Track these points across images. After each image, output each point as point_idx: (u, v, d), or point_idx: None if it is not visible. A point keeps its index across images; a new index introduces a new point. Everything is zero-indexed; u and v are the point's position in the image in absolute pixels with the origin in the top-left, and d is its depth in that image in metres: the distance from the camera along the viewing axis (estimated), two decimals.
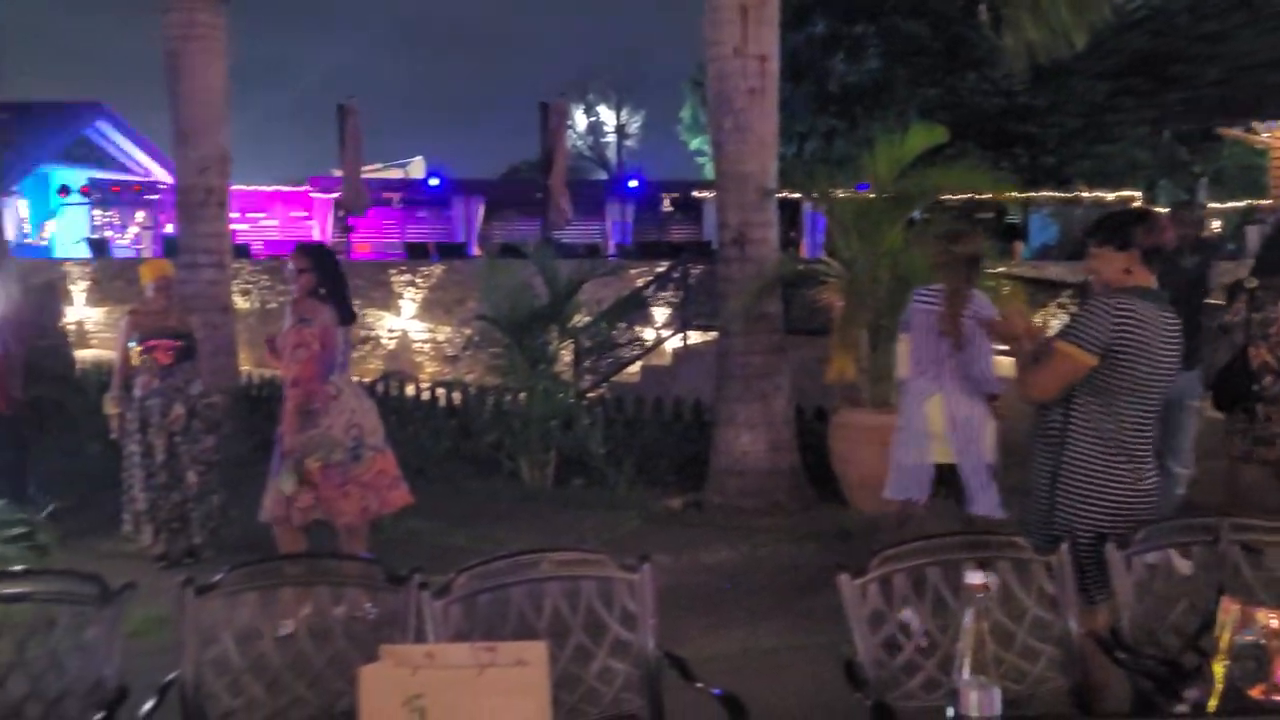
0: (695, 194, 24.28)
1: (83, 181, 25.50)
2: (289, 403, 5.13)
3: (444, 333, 14.09)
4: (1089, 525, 3.31)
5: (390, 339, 13.94)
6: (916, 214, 8.02)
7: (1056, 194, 22.11)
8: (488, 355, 8.44)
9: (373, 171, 24.41)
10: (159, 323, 6.12)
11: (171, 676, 2.84)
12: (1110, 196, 20.98)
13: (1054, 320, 9.42)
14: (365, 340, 13.17)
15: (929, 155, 7.50)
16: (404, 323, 14.28)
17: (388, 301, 14.10)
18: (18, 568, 3.23)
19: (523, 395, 8.13)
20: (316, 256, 5.40)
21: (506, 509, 7.59)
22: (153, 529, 6.24)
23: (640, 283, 11.54)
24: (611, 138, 37.26)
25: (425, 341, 14.27)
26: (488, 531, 6.92)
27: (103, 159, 27.50)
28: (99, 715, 2.73)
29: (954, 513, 4.96)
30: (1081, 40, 7.70)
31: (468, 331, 13.62)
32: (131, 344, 6.11)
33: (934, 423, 4.79)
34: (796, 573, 6.01)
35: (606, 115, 37.65)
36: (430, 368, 13.51)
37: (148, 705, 2.78)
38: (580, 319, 8.67)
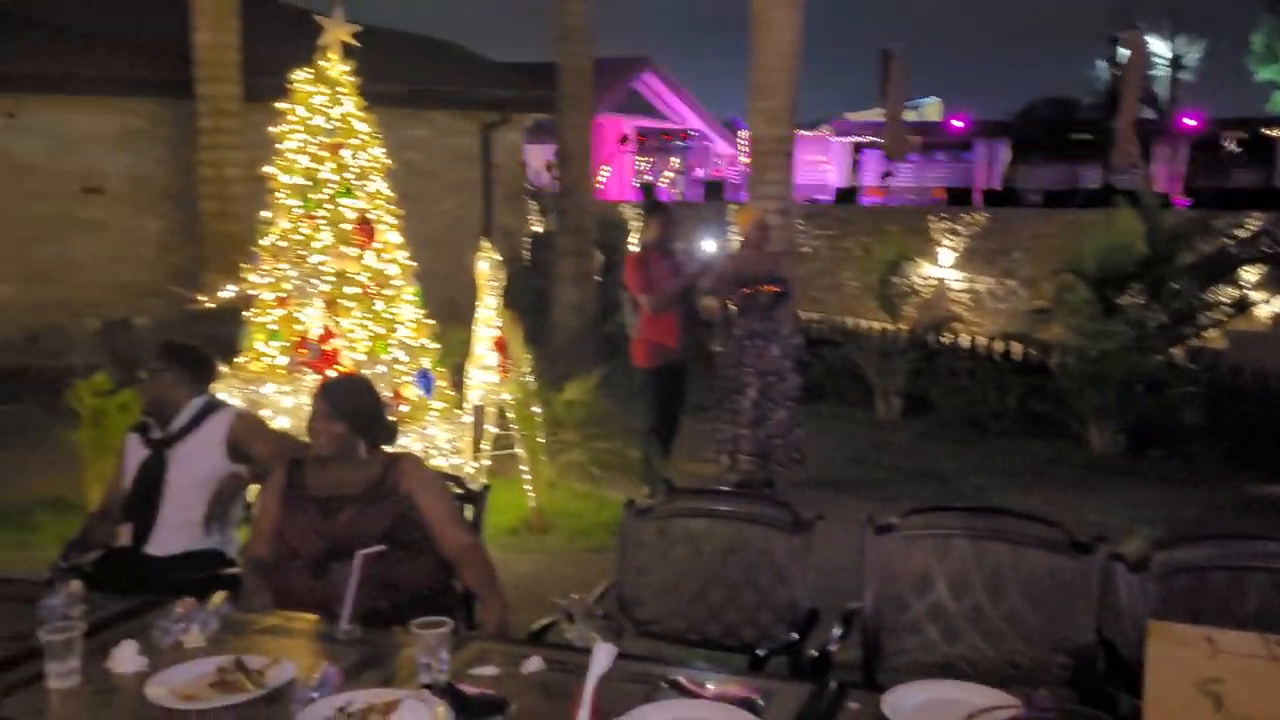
0: (1265, 132, 21.15)
1: (630, 130, 28.14)
2: None
3: (984, 283, 13.72)
4: None
5: (925, 287, 13.82)
6: None
7: None
8: (1065, 310, 8.05)
9: (879, 114, 24.17)
10: (758, 266, 6.53)
11: (853, 606, 3.05)
12: None
13: None
14: (899, 288, 13.19)
15: None
16: (941, 271, 14.11)
17: (924, 249, 13.99)
18: (722, 488, 3.63)
19: (1098, 355, 7.65)
20: None
21: (1072, 475, 7.25)
22: (729, 458, 6.74)
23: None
24: (1162, 71, 33.48)
25: (963, 291, 14.00)
26: (1058, 497, 6.66)
27: (645, 108, 30.07)
28: (793, 635, 3.00)
29: None
30: None
31: (1010, 283, 13.11)
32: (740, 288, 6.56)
33: None
34: None
35: (1157, 46, 33.88)
36: (968, 319, 13.27)
37: (836, 631, 3.01)
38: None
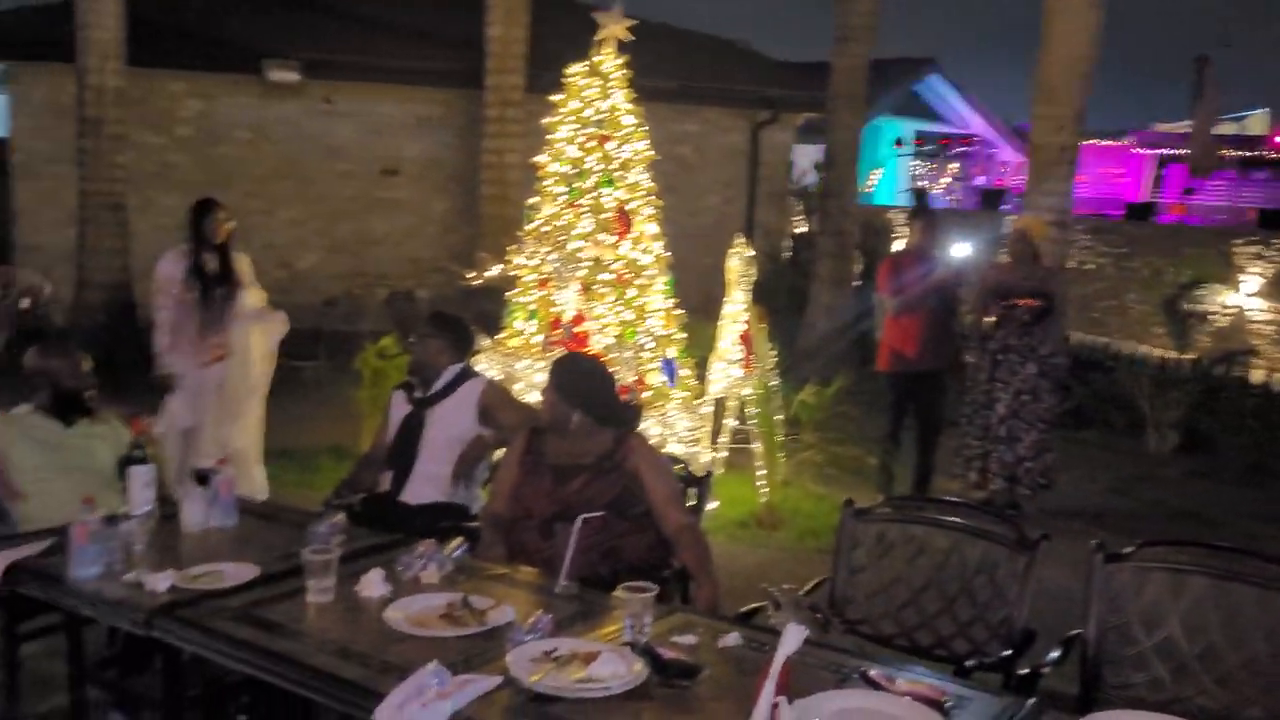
0: None
1: (908, 133, 27.42)
2: None
3: None
4: None
5: (1223, 316, 12.71)
6: None
7: None
8: None
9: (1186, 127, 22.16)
10: (1019, 279, 6.25)
11: (1074, 633, 2.93)
12: None
13: None
14: (1190, 314, 12.21)
15: None
16: (1242, 299, 12.89)
17: (1224, 274, 12.85)
18: (950, 498, 3.58)
19: None
20: None
21: None
22: (976, 475, 6.50)
23: None
24: None
25: (1266, 323, 12.73)
26: None
27: (926, 112, 29.19)
28: (1006, 651, 2.92)
29: None
30: None
31: None
32: (991, 300, 6.33)
33: None
34: None
35: None
36: (1272, 353, 12.04)
37: (1052, 654, 2.90)
38: None
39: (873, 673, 2.20)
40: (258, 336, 5.41)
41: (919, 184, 26.54)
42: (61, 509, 3.27)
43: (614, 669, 2.19)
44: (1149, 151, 23.52)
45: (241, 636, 2.47)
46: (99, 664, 3.41)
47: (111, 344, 8.73)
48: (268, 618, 2.57)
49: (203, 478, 3.38)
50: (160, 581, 2.74)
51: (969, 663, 2.85)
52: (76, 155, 9.81)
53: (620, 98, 5.94)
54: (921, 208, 7.85)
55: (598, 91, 5.90)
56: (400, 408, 4.11)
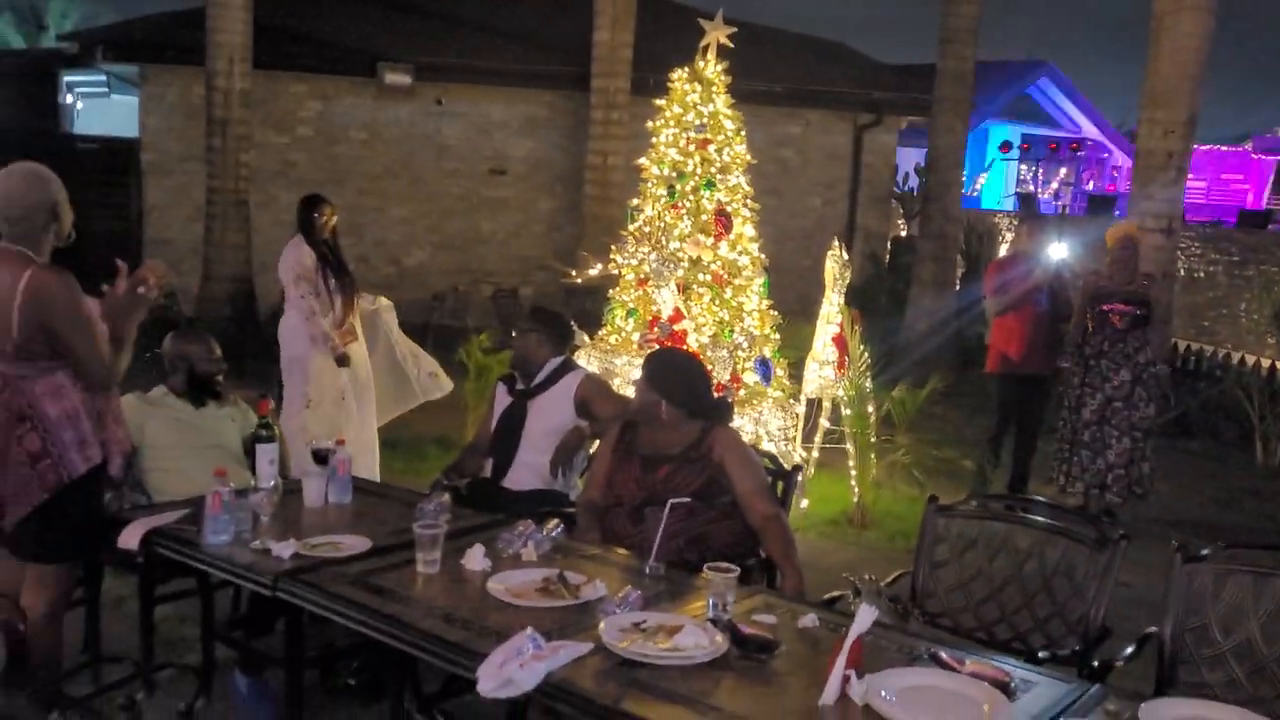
0: None
1: (1015, 137, 26.84)
2: None
3: None
4: None
5: None
6: None
7: None
8: None
9: None
10: (1117, 286, 6.21)
11: (1149, 630, 2.98)
12: None
13: None
14: None
15: None
16: None
17: None
18: (1033, 498, 3.65)
19: None
20: None
21: None
22: (1064, 479, 6.46)
23: None
24: None
25: None
26: None
27: (1036, 115, 28.55)
28: (1077, 645, 2.99)
29: None
30: None
31: None
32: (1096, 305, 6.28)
33: None
34: None
35: None
36: None
37: (1127, 650, 2.97)
38: None
39: (943, 654, 2.31)
40: (382, 319, 5.83)
41: (1026, 188, 25.98)
42: (193, 483, 3.57)
43: (697, 640, 2.35)
44: (1268, 157, 22.63)
45: (357, 600, 2.70)
46: (227, 625, 3.71)
47: (236, 333, 9.24)
48: (380, 584, 2.80)
49: (321, 457, 3.65)
50: (284, 549, 2.99)
51: (1042, 654, 2.93)
52: (205, 154, 10.37)
53: (721, 103, 6.08)
54: (1028, 212, 7.72)
55: (700, 96, 6.06)
56: (502, 399, 4.33)
